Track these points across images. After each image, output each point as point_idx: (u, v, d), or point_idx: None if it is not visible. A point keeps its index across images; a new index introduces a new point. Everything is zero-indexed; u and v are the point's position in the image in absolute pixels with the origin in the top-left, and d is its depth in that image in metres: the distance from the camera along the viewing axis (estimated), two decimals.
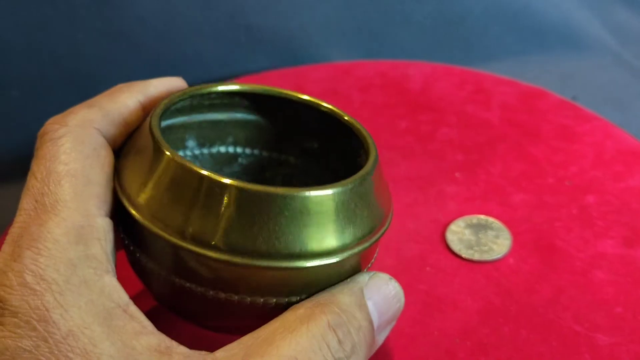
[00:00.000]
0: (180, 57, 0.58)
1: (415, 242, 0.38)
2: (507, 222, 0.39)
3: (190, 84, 0.31)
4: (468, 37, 0.64)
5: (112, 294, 0.22)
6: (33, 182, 0.24)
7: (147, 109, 0.28)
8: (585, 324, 0.33)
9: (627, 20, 0.68)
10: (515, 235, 0.38)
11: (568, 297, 0.35)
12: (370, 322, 0.24)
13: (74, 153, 0.25)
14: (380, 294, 0.25)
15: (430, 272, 0.36)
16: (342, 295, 0.24)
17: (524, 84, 0.52)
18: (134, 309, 0.23)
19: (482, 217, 0.39)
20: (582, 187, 0.42)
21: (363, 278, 0.25)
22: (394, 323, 0.26)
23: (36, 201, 0.23)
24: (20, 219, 0.23)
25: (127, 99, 0.28)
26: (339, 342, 0.22)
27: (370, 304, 0.24)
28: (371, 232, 0.25)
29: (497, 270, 0.36)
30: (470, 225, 0.39)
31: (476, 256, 0.37)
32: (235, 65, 0.59)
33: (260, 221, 0.22)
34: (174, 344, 0.22)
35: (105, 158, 0.26)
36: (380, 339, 0.25)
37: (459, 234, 0.38)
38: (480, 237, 0.38)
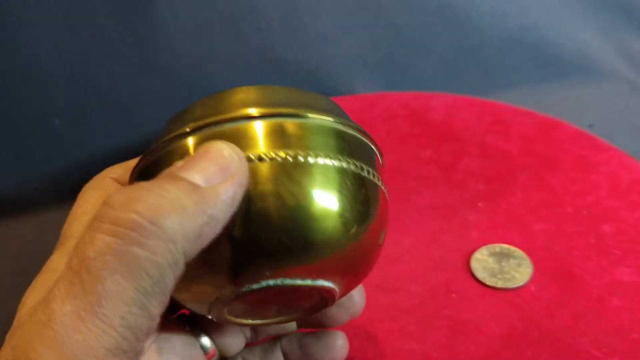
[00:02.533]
0: (213, 88, 0.60)
1: (441, 269, 0.41)
2: (528, 251, 0.41)
3: None
4: (487, 67, 0.66)
5: None
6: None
7: None
8: (603, 348, 0.36)
9: None
10: (536, 263, 0.41)
11: (586, 323, 0.37)
12: (188, 183, 0.21)
13: (90, 198, 0.27)
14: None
15: (456, 299, 0.39)
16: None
17: (541, 114, 0.54)
18: None
19: (505, 245, 0.42)
20: (599, 216, 0.44)
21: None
22: (237, 178, 0.22)
23: (59, 239, 0.26)
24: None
25: None
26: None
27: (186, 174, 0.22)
28: None
29: (519, 297, 0.39)
30: (493, 254, 0.41)
31: (500, 284, 0.39)
32: None
33: None
34: None
35: None
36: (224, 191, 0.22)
37: (483, 262, 0.41)
38: (503, 265, 0.40)
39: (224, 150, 0.22)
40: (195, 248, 0.21)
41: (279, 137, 0.23)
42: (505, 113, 0.55)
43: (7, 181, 0.58)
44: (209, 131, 0.23)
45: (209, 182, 0.21)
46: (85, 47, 0.57)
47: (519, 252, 0.41)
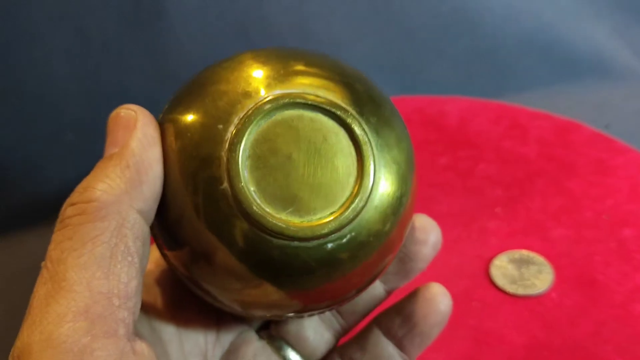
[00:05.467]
0: None
1: (461, 277, 0.41)
2: (548, 257, 0.41)
3: None
4: (501, 70, 0.66)
5: None
6: None
7: None
8: (626, 356, 0.35)
9: None
10: (557, 269, 0.40)
11: (609, 330, 0.37)
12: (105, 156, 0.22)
13: None
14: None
15: (477, 307, 0.39)
16: None
17: (558, 117, 0.54)
18: None
19: (524, 252, 0.41)
20: (619, 220, 0.43)
21: None
22: (138, 122, 0.23)
23: None
24: None
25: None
26: None
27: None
28: None
29: (541, 305, 0.38)
30: (513, 261, 0.41)
31: (520, 291, 0.39)
32: None
33: None
34: None
35: None
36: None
37: (503, 269, 0.40)
38: (523, 272, 0.40)
39: (119, 112, 0.23)
40: (147, 200, 0.22)
41: None
42: (521, 116, 0.54)
43: (21, 196, 0.58)
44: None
45: (118, 145, 0.22)
46: (97, 59, 0.57)
47: (538, 258, 0.41)
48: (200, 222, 0.22)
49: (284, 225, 0.21)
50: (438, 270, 0.41)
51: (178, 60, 0.60)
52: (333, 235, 0.22)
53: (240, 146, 0.22)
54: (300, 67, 0.24)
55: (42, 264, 0.21)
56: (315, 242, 0.22)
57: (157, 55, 0.59)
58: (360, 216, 0.22)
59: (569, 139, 0.51)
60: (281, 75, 0.23)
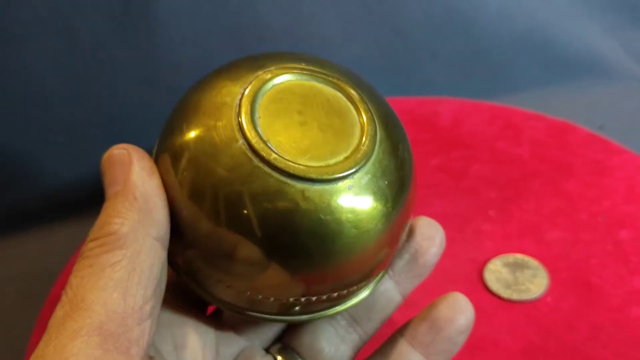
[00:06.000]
0: None
1: (454, 282, 0.40)
2: (543, 260, 0.40)
3: None
4: (495, 70, 0.65)
5: None
6: None
7: None
8: None
9: None
10: (552, 273, 0.39)
11: (607, 334, 0.36)
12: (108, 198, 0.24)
13: None
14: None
15: None
16: None
17: (552, 118, 0.53)
18: None
19: (519, 255, 0.40)
20: (615, 222, 0.43)
21: None
22: (133, 157, 0.24)
23: None
24: None
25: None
26: None
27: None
28: None
29: (536, 310, 0.37)
30: (507, 264, 0.40)
31: (515, 296, 0.38)
32: None
33: None
34: None
35: None
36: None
37: (497, 273, 0.40)
38: (517, 276, 0.39)
39: (112, 152, 0.24)
40: (160, 225, 0.23)
41: None
42: (515, 117, 0.54)
43: (8, 200, 0.57)
44: None
45: (120, 182, 0.23)
46: (87, 62, 0.56)
47: (533, 262, 0.40)
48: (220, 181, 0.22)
49: (304, 168, 0.22)
50: (431, 274, 0.41)
51: (169, 62, 0.59)
52: (352, 177, 0.23)
53: (249, 108, 0.23)
54: (287, 63, 0.25)
55: (63, 290, 0.22)
56: (335, 184, 0.22)
57: (148, 57, 0.58)
58: (373, 156, 0.23)
59: (564, 140, 0.51)
60: (273, 68, 0.24)
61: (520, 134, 0.52)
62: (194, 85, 0.26)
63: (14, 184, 0.57)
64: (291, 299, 0.24)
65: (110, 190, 0.23)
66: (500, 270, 0.40)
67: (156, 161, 0.24)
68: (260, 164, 0.22)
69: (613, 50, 0.68)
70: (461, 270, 0.40)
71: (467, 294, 0.39)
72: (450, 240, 0.42)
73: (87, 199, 0.49)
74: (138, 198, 0.23)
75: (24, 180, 0.58)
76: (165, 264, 0.23)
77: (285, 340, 0.28)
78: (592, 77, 0.66)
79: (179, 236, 0.24)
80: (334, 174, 0.22)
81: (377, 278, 0.27)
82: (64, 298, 0.21)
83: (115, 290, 0.21)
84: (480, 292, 0.39)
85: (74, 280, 0.21)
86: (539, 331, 0.36)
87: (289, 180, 0.22)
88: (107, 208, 0.23)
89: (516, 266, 0.40)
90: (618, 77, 0.66)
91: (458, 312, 0.27)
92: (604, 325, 0.36)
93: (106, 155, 0.24)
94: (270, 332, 0.28)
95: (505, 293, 0.38)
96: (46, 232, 0.55)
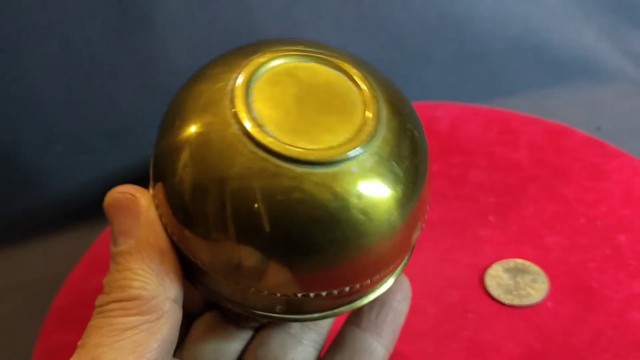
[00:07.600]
0: None
1: (455, 287, 0.40)
2: (543, 265, 0.41)
3: None
4: (490, 74, 0.65)
5: None
6: None
7: None
8: None
9: None
10: (552, 278, 0.40)
11: (607, 339, 0.36)
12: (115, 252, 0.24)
13: None
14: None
15: (472, 319, 0.38)
16: None
17: (549, 121, 0.54)
18: None
19: (519, 260, 0.41)
20: (613, 226, 0.43)
21: None
22: (138, 205, 0.24)
23: None
24: None
25: None
26: None
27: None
28: None
29: (537, 315, 0.38)
30: (507, 270, 0.40)
31: (515, 301, 0.38)
32: None
33: None
34: None
35: None
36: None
37: (497, 279, 0.40)
38: (518, 282, 0.39)
39: (117, 197, 0.24)
40: (176, 283, 0.23)
41: None
42: (512, 121, 0.54)
43: (11, 209, 0.57)
44: None
45: (131, 235, 0.23)
46: (84, 70, 0.56)
47: (533, 267, 0.40)
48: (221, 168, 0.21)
49: (302, 151, 0.21)
50: (431, 281, 0.41)
51: (167, 70, 0.59)
52: (356, 159, 0.22)
53: (243, 92, 0.22)
54: (284, 46, 0.24)
55: (79, 343, 0.22)
56: (337, 167, 0.21)
57: (146, 65, 0.59)
58: (378, 137, 0.22)
59: (561, 144, 0.51)
60: (269, 52, 0.24)
61: (517, 138, 0.52)
62: (189, 77, 0.25)
63: (17, 194, 0.57)
64: (299, 295, 0.23)
65: (120, 242, 0.23)
66: (501, 276, 0.40)
67: (156, 161, 0.24)
68: (256, 149, 0.21)
69: (608, 51, 0.68)
70: (461, 276, 0.41)
71: (469, 299, 0.39)
72: (450, 247, 0.43)
73: (89, 208, 0.50)
74: (153, 258, 0.23)
75: (26, 190, 0.58)
76: (180, 322, 0.24)
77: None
78: (588, 79, 0.66)
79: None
80: (335, 156, 0.21)
81: (384, 280, 0.26)
82: (80, 352, 0.22)
83: (132, 353, 0.22)
84: (481, 297, 0.39)
85: (92, 337, 0.22)
86: (539, 336, 0.37)
87: (286, 164, 0.21)
88: (123, 265, 0.23)
89: (517, 271, 0.40)
90: (614, 79, 0.67)
91: (395, 284, 0.28)
92: (604, 329, 0.37)
93: (109, 198, 0.24)
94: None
95: (506, 299, 0.39)
96: (49, 242, 0.55)
